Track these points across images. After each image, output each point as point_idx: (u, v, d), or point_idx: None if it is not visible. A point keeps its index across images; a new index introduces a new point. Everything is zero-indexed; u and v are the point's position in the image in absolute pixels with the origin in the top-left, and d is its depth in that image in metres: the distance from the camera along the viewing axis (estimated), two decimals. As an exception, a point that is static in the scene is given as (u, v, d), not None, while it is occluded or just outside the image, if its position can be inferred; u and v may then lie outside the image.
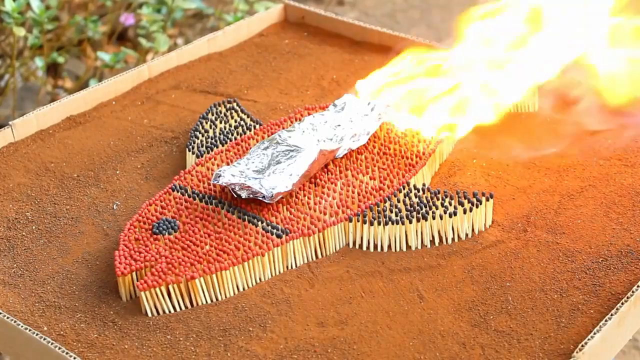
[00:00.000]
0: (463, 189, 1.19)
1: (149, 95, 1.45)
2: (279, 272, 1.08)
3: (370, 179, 1.18)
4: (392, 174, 1.18)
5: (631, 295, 1.00)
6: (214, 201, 1.14)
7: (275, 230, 1.08)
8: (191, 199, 1.15)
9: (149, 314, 1.03)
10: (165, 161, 1.30)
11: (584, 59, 1.31)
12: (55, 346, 0.97)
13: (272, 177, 1.13)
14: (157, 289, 1.02)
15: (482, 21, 1.37)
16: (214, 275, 1.04)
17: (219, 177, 1.13)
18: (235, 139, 1.28)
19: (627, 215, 1.15)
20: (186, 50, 1.54)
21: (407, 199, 1.14)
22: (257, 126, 1.30)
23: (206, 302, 1.04)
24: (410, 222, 1.11)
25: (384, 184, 1.16)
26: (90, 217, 1.19)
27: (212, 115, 1.33)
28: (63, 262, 1.11)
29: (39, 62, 1.90)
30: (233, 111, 1.34)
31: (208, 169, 1.21)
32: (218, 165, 1.22)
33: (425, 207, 1.12)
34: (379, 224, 1.10)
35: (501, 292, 1.04)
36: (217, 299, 1.05)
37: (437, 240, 1.12)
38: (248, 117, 1.33)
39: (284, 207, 1.13)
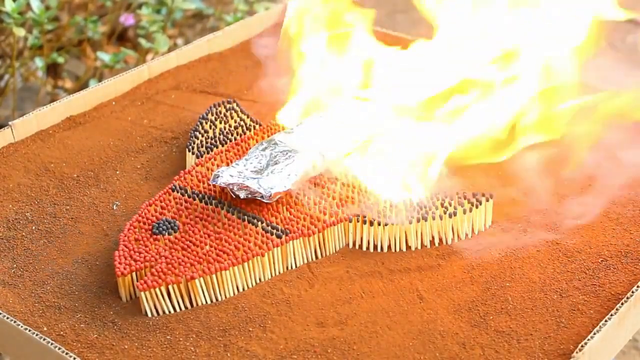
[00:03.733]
0: (463, 189, 1.19)
1: (149, 96, 1.45)
2: (279, 273, 1.08)
3: (370, 179, 1.18)
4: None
5: (631, 296, 1.00)
6: (213, 201, 1.14)
7: (275, 231, 1.08)
8: (191, 199, 1.15)
9: (149, 314, 1.03)
10: (165, 161, 1.30)
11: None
12: (55, 346, 0.97)
13: (271, 177, 1.13)
14: (157, 289, 1.02)
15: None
16: (213, 276, 1.04)
17: (218, 177, 1.13)
18: (235, 139, 1.28)
19: (627, 216, 1.15)
20: (186, 51, 1.54)
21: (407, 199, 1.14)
22: (257, 126, 1.30)
23: (206, 302, 1.04)
24: (410, 222, 1.11)
25: (383, 184, 1.16)
26: (90, 218, 1.19)
27: (212, 115, 1.33)
28: (63, 263, 1.11)
29: (39, 63, 1.90)
30: (233, 111, 1.34)
31: (208, 170, 1.21)
32: (218, 165, 1.22)
33: (425, 207, 1.12)
34: (379, 224, 1.10)
35: (501, 292, 1.04)
36: (217, 299, 1.05)
37: (437, 241, 1.12)
38: (248, 117, 1.33)
39: (284, 208, 1.13)
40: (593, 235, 1.12)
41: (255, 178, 1.13)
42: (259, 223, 1.10)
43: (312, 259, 1.10)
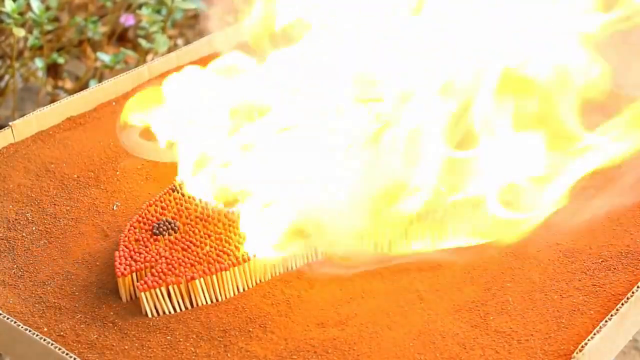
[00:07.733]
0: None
1: (149, 96, 1.45)
2: (279, 273, 1.08)
3: (370, 179, 1.17)
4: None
5: (631, 296, 1.00)
6: (214, 202, 1.14)
7: (275, 231, 1.08)
8: (191, 199, 1.15)
9: (149, 315, 1.03)
10: (165, 162, 1.29)
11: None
12: (56, 347, 0.97)
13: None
14: (157, 290, 1.02)
15: None
16: (214, 276, 1.04)
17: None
18: (235, 139, 1.28)
19: (627, 216, 1.15)
20: (186, 51, 1.54)
21: (407, 199, 1.14)
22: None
23: (206, 302, 1.04)
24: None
25: (384, 185, 1.16)
26: (90, 218, 1.19)
27: (212, 115, 1.32)
28: (63, 263, 1.11)
29: (39, 63, 1.90)
30: (233, 112, 1.34)
31: (208, 170, 1.21)
32: (218, 165, 1.22)
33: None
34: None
35: (501, 293, 1.04)
36: (217, 300, 1.05)
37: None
38: (248, 117, 1.33)
39: (284, 208, 1.13)
40: (593, 236, 1.12)
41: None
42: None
43: (312, 259, 1.10)
